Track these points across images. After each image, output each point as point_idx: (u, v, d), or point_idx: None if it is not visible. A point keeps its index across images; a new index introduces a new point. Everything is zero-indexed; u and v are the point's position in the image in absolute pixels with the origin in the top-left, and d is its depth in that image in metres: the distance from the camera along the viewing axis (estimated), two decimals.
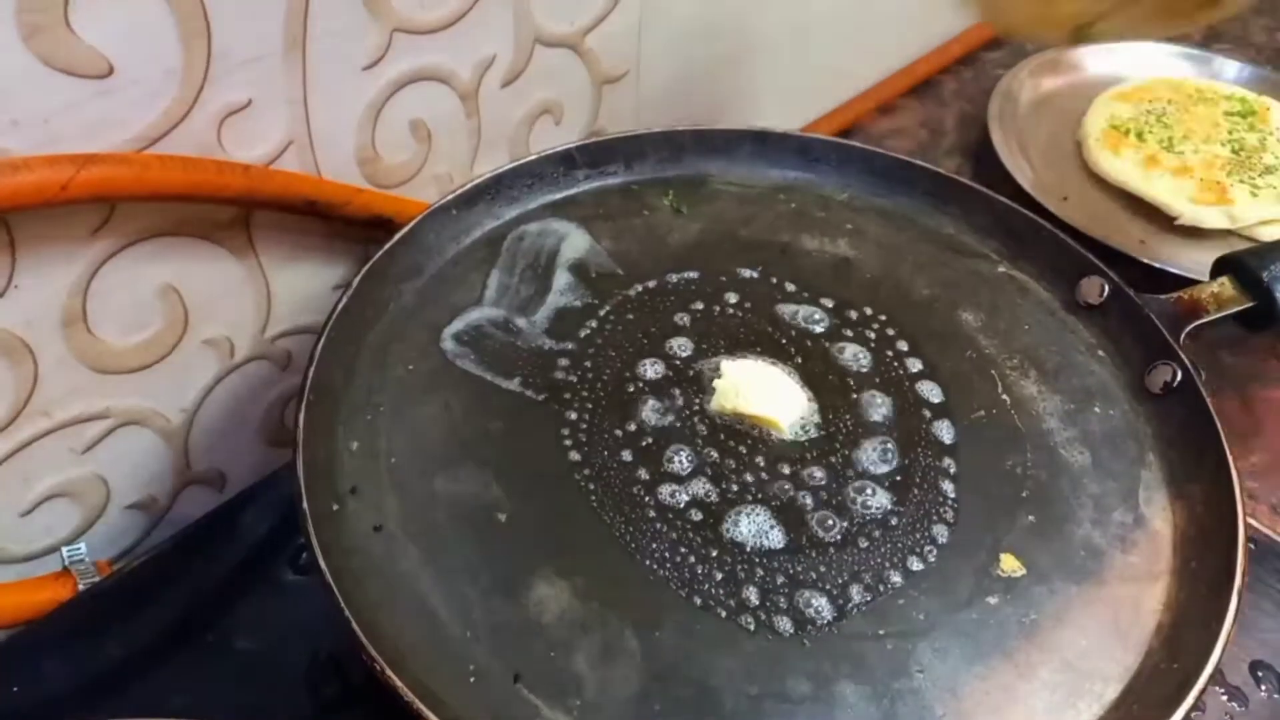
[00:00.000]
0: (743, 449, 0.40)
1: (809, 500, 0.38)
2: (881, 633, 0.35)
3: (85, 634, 0.41)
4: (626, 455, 0.39)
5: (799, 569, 0.36)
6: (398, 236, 0.45)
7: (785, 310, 0.46)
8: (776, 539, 0.37)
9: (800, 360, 0.43)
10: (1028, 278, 0.48)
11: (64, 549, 0.46)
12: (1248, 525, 0.43)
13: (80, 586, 0.44)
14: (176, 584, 0.43)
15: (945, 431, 0.41)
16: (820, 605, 0.35)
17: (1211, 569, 0.36)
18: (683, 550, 0.37)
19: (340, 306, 0.42)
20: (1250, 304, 0.43)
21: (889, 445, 0.40)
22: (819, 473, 0.39)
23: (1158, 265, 0.56)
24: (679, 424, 0.41)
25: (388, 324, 0.44)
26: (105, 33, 0.36)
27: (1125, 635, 0.35)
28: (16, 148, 0.36)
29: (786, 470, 0.39)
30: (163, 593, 0.43)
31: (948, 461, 0.40)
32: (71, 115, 0.37)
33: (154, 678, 0.40)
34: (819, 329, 0.45)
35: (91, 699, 0.40)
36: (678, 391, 0.42)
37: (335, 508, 0.37)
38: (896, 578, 0.36)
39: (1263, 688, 0.40)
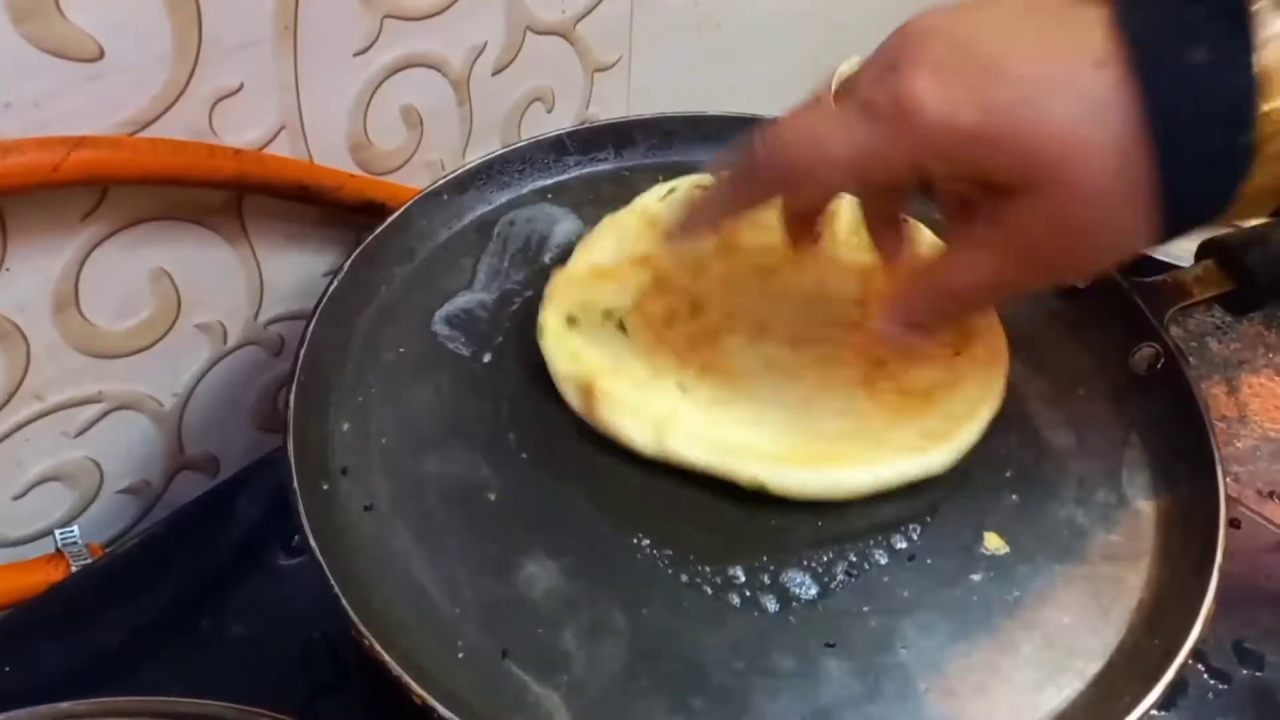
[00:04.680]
0: None
1: None
2: (866, 609, 0.35)
3: (77, 616, 0.42)
4: None
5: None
6: (389, 221, 0.45)
7: None
8: None
9: None
10: None
11: (57, 532, 0.46)
12: (1233, 506, 0.44)
13: (73, 569, 0.44)
14: (169, 567, 0.43)
15: None
16: (805, 582, 0.36)
17: (1193, 548, 0.36)
18: None
19: (331, 289, 0.42)
20: (1232, 287, 0.44)
21: None
22: None
23: (1142, 250, 0.56)
24: None
25: (379, 307, 0.44)
26: (96, 17, 0.36)
27: (1107, 612, 0.36)
28: (8, 130, 0.36)
29: None
30: (155, 575, 0.43)
31: None
32: (63, 98, 0.37)
33: (146, 659, 0.41)
34: None
35: (83, 680, 0.40)
36: None
37: (326, 487, 0.37)
38: (881, 556, 0.36)
39: (1245, 666, 0.40)
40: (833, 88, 0.33)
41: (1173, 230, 0.29)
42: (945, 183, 0.35)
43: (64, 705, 0.32)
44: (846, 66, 0.34)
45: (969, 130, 0.29)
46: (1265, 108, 0.26)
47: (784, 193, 0.36)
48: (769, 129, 0.33)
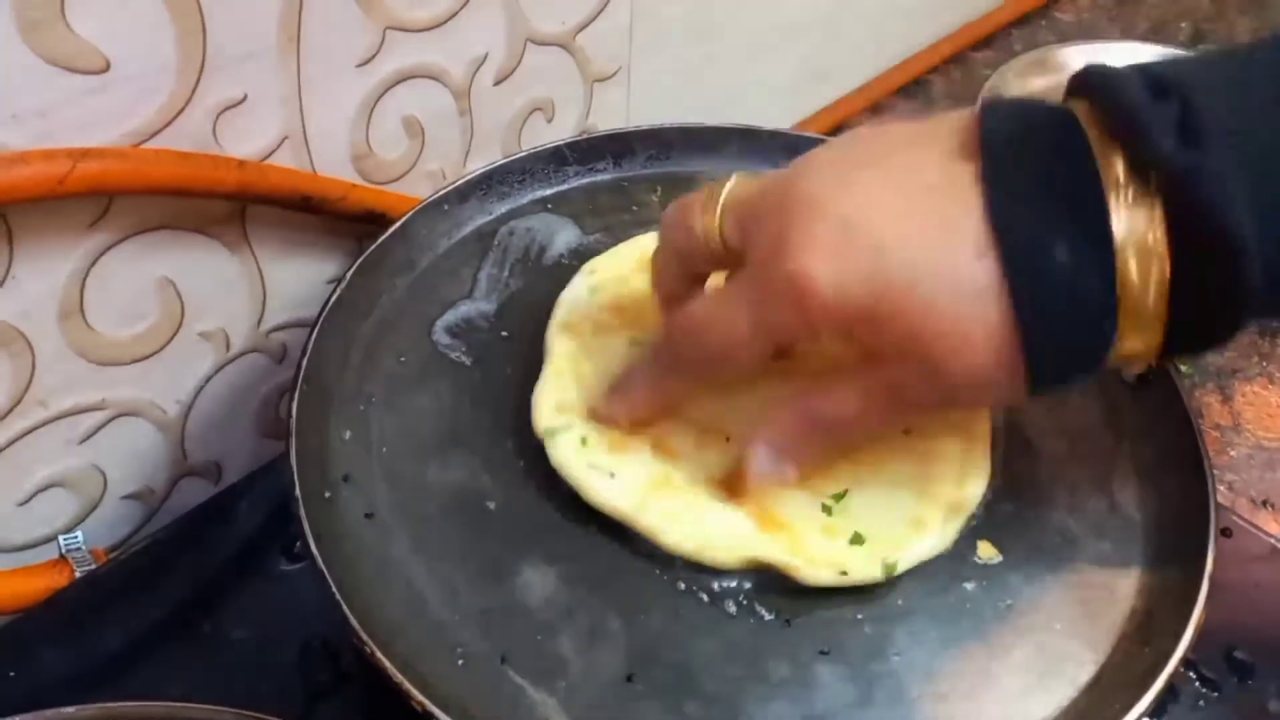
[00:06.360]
0: None
1: None
2: (860, 617, 0.36)
3: (81, 621, 0.42)
4: None
5: None
6: (390, 231, 0.46)
7: None
8: None
9: None
10: None
11: (61, 538, 0.46)
12: (1224, 515, 0.44)
13: (77, 574, 0.44)
14: (172, 573, 0.44)
15: None
16: (800, 590, 0.36)
17: (1184, 556, 0.37)
18: None
19: (333, 299, 0.42)
20: None
21: None
22: None
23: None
24: None
25: (380, 316, 0.44)
26: (101, 28, 0.37)
27: (1098, 620, 0.36)
28: (14, 142, 0.37)
29: None
30: (158, 581, 0.43)
31: None
32: (68, 110, 0.37)
33: (149, 664, 0.41)
34: None
35: (87, 685, 0.40)
36: None
37: (327, 495, 0.38)
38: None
39: (1235, 675, 0.41)
40: (720, 203, 0.34)
41: (1040, 392, 0.32)
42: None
43: (68, 710, 0.32)
44: (732, 184, 0.35)
45: (859, 310, 0.31)
46: (1125, 287, 0.29)
47: (706, 380, 0.38)
48: (675, 321, 0.36)
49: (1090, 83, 0.31)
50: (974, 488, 0.38)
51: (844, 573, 0.35)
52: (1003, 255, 0.29)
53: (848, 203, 0.31)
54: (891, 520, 0.37)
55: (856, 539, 0.36)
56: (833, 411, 0.34)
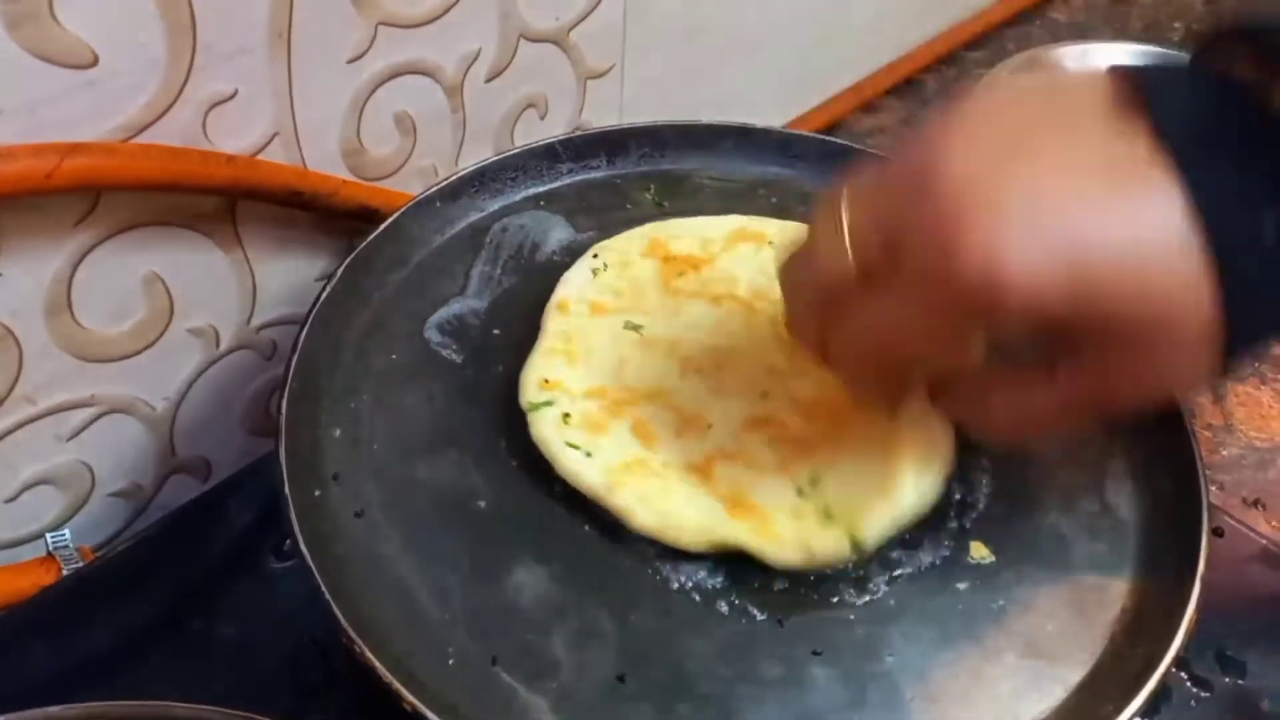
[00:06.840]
0: None
1: None
2: (852, 618, 0.36)
3: (68, 619, 0.42)
4: None
5: None
6: (382, 228, 0.45)
7: None
8: None
9: None
10: None
11: (48, 535, 0.46)
12: (1216, 515, 0.44)
13: (64, 572, 0.44)
14: (160, 570, 0.44)
15: None
16: (793, 590, 0.36)
17: (1175, 557, 0.37)
18: None
19: (324, 296, 0.42)
20: None
21: None
22: None
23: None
24: None
25: (371, 313, 0.44)
26: (90, 23, 0.37)
27: (1091, 621, 0.36)
28: (1, 136, 0.36)
29: None
30: (146, 579, 0.43)
31: None
32: (57, 104, 0.37)
33: (137, 663, 0.41)
34: None
35: (73, 684, 0.40)
36: None
37: (317, 494, 0.38)
38: (869, 564, 0.37)
39: (1228, 675, 0.41)
40: (845, 220, 0.30)
41: (1225, 370, 0.30)
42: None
43: (54, 709, 0.32)
44: (848, 195, 0.31)
45: (1061, 301, 0.28)
46: None
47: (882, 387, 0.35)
48: (835, 350, 0.33)
49: (1254, 27, 0.28)
50: (943, 440, 0.38)
51: (811, 552, 0.35)
52: (1213, 245, 0.27)
53: (1019, 185, 0.27)
54: (863, 496, 0.36)
55: (826, 518, 0.36)
56: (1031, 412, 0.33)
